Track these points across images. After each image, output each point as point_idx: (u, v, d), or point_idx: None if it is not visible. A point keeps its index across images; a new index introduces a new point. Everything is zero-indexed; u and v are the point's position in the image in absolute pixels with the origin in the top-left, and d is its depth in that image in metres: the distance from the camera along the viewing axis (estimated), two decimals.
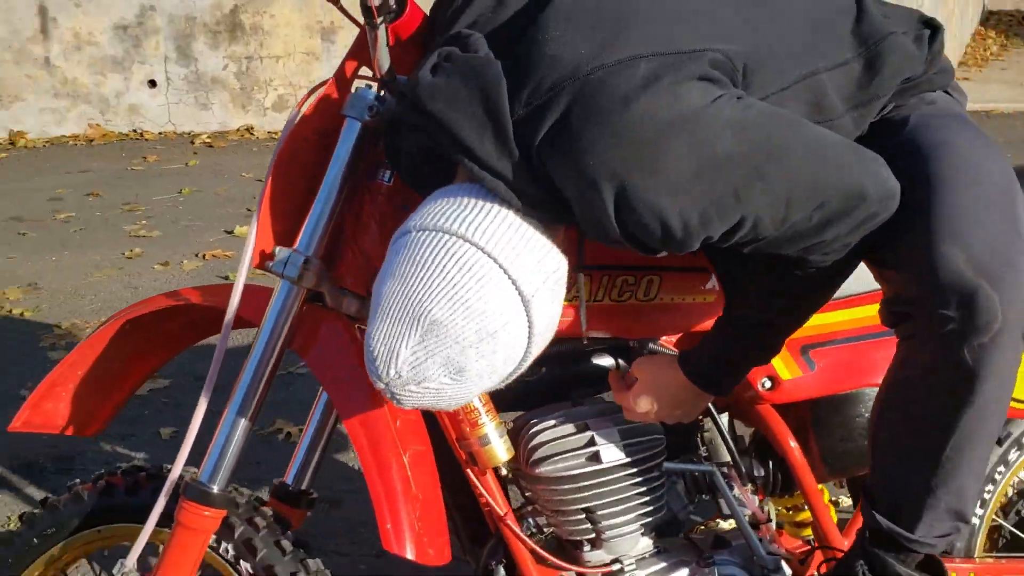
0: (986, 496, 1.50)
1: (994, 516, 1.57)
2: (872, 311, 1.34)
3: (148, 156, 5.99)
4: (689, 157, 0.95)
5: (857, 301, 1.37)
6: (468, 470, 1.27)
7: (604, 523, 1.30)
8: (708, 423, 1.40)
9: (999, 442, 1.49)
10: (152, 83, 6.61)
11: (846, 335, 1.35)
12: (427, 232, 0.99)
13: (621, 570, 1.32)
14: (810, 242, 1.05)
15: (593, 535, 1.31)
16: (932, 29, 1.18)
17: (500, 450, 1.24)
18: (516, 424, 1.34)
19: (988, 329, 1.04)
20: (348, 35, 6.40)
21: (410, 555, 1.14)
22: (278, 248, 1.19)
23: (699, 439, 1.42)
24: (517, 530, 1.28)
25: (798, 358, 1.33)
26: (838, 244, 1.06)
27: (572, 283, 1.22)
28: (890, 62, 1.11)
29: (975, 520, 1.50)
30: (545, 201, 1.01)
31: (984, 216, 1.06)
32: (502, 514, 1.28)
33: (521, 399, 1.37)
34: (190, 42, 6.60)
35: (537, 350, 1.04)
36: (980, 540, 1.52)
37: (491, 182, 0.99)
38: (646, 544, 1.35)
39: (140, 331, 1.36)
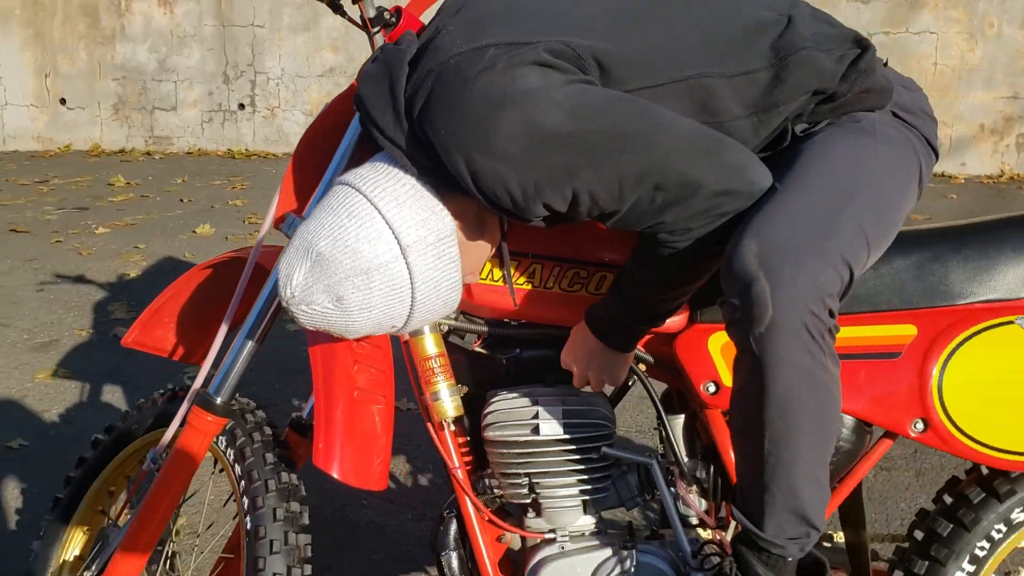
0: (981, 552, 1.41)
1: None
2: (851, 333, 1.35)
3: None
4: (520, 131, 1.07)
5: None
6: (428, 424, 1.45)
7: (541, 492, 1.42)
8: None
9: (998, 497, 1.40)
10: None
11: None
12: (339, 185, 1.21)
13: (554, 539, 1.43)
14: (653, 221, 1.13)
15: (530, 501, 1.43)
16: (862, 49, 1.19)
17: (448, 407, 1.40)
18: (488, 395, 1.49)
19: (761, 320, 1.06)
20: None
21: (335, 474, 1.34)
22: (289, 214, 1.46)
23: (660, 436, 1.48)
24: (463, 484, 1.44)
25: None
26: (680, 227, 1.13)
27: (517, 265, 1.38)
28: (795, 74, 1.15)
29: (962, 574, 1.41)
30: (434, 168, 1.17)
31: (794, 218, 1.09)
32: (452, 467, 1.44)
33: (504, 378, 1.52)
34: None
35: (428, 301, 1.20)
36: None
37: (390, 148, 1.18)
38: (586, 522, 1.44)
39: (229, 275, 1.67)
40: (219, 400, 1.46)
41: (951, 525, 1.41)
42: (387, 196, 1.16)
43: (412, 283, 1.18)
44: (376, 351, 1.44)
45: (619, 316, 1.29)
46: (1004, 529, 1.40)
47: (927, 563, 1.42)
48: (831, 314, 1.10)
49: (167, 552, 1.58)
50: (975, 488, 1.42)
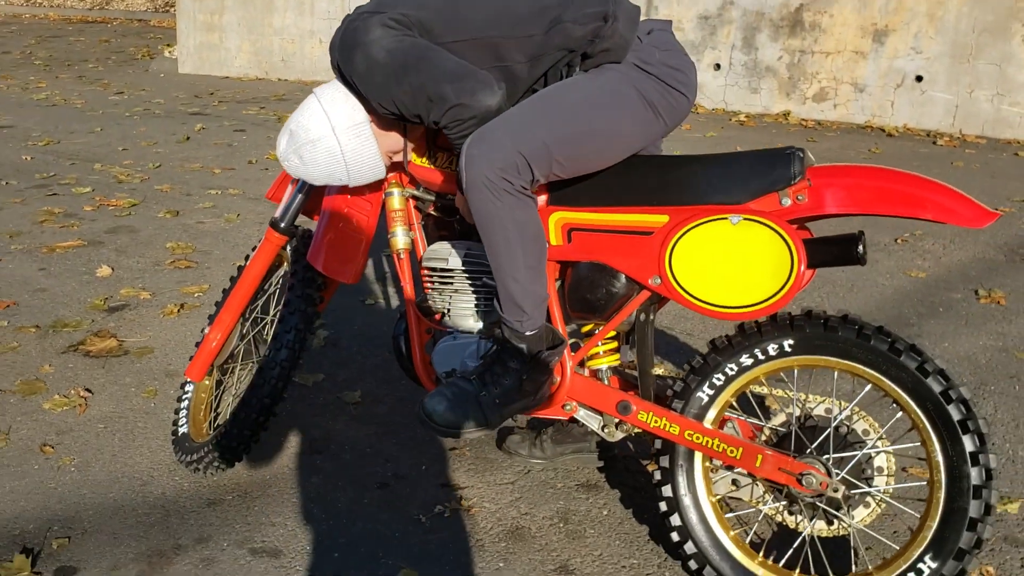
0: (718, 383, 1.98)
1: (733, 402, 2.03)
2: (629, 218, 1.98)
3: (684, 125, 7.24)
4: (363, 62, 1.86)
5: (623, 210, 1.98)
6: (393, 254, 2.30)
7: (449, 303, 2.21)
8: None
9: (733, 345, 1.96)
10: (717, 66, 7.80)
11: (599, 228, 2.00)
12: (312, 92, 2.09)
13: (453, 333, 2.21)
14: (434, 120, 1.86)
15: (442, 308, 2.23)
16: (604, 22, 1.84)
17: (399, 242, 2.24)
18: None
19: (463, 179, 1.81)
20: (898, 38, 6.79)
21: (319, 267, 2.24)
22: None
23: None
24: (408, 295, 2.27)
25: (563, 235, 2.04)
26: (450, 125, 1.85)
27: (425, 151, 2.16)
28: (554, 38, 1.85)
29: (704, 396, 1.99)
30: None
31: (497, 123, 1.79)
32: (403, 283, 2.27)
33: (456, 234, 2.30)
34: (755, 34, 7.61)
35: (358, 165, 2.03)
36: (713, 414, 1.99)
37: (334, 69, 2.00)
38: (475, 326, 2.19)
39: None
40: (282, 224, 2.40)
41: (702, 361, 2.01)
42: (327, 97, 2.02)
43: (342, 151, 2.04)
44: (365, 205, 2.30)
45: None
46: (736, 368, 1.97)
47: (684, 384, 2.03)
48: (511, 183, 1.80)
49: (249, 320, 2.58)
50: (723, 338, 2.01)
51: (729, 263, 1.89)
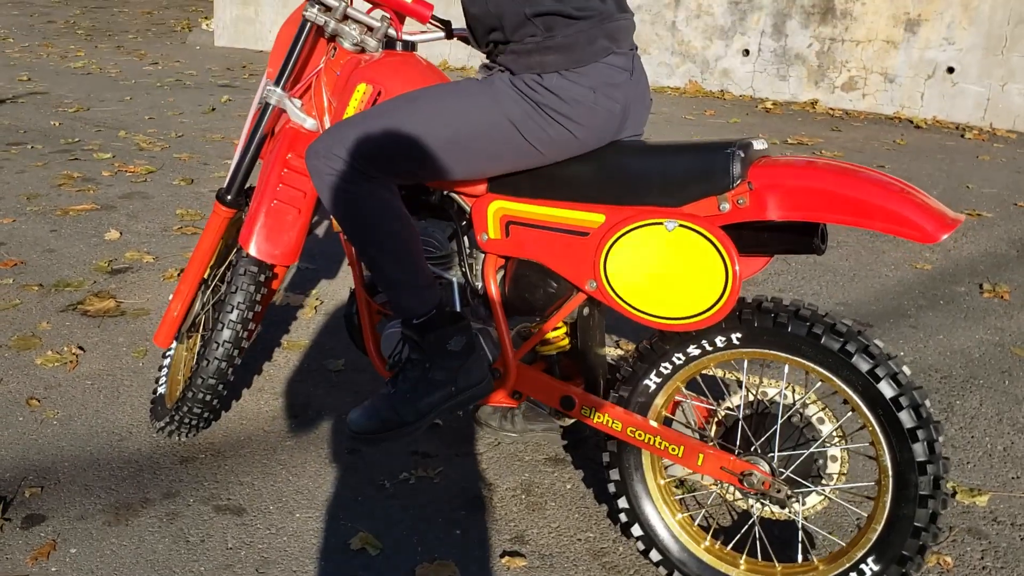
0: (665, 371, 1.94)
1: (682, 388, 2.02)
2: (565, 214, 1.92)
3: (708, 111, 7.20)
4: None
5: (560, 204, 1.89)
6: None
7: None
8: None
9: (681, 336, 1.90)
10: (746, 52, 7.73)
11: (539, 223, 1.92)
12: None
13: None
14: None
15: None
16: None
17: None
18: None
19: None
20: (931, 28, 6.70)
21: (252, 251, 2.20)
22: (267, 81, 2.33)
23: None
24: (357, 274, 2.22)
25: (502, 227, 1.97)
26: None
27: None
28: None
29: (651, 384, 1.97)
30: None
31: (358, 117, 1.83)
32: (350, 265, 2.24)
33: None
34: (785, 20, 7.53)
35: None
36: (661, 401, 1.97)
37: None
38: None
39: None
40: (228, 197, 2.38)
41: (649, 348, 1.96)
42: None
43: None
44: (301, 180, 2.25)
45: None
46: (683, 358, 1.92)
47: (631, 370, 1.99)
48: (356, 168, 1.80)
49: (209, 288, 2.61)
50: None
51: (664, 272, 1.80)
